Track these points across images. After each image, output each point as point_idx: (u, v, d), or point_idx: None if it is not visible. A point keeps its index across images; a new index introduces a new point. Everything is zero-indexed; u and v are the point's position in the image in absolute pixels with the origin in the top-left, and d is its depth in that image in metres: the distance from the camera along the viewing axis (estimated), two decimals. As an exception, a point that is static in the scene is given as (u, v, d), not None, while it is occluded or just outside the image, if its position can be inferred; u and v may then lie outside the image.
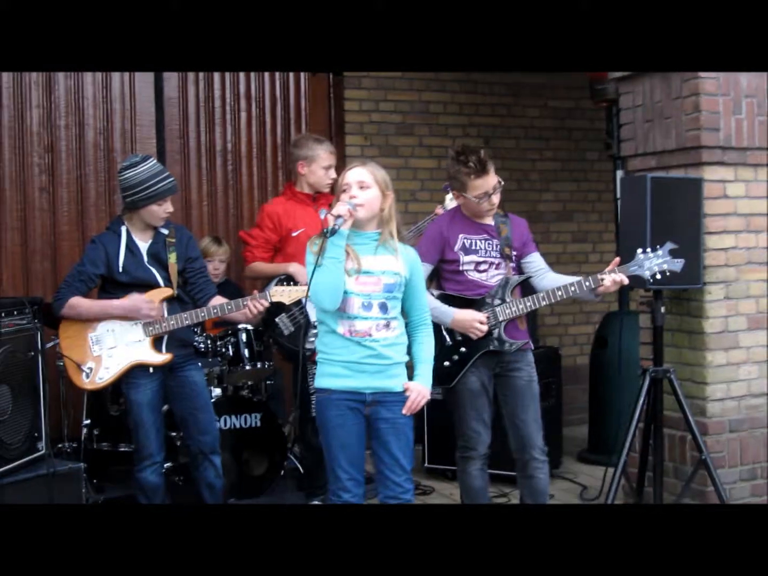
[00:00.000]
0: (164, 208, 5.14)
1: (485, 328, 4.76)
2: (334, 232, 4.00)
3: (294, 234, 5.89)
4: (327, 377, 4.17)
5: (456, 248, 4.85)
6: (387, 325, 4.15)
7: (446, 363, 4.81)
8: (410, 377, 4.24)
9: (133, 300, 5.11)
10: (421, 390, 4.20)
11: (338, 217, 4.02)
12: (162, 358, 5.15)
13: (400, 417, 4.19)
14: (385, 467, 4.22)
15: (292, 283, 5.65)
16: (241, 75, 7.62)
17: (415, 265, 4.29)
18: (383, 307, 4.14)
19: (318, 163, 5.94)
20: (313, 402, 5.72)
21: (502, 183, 4.87)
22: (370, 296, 4.12)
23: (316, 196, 6.04)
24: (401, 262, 4.19)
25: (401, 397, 4.18)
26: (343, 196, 4.13)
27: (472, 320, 4.76)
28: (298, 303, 5.54)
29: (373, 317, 4.12)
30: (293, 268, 5.79)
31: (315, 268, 4.04)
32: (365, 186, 4.14)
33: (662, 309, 5.26)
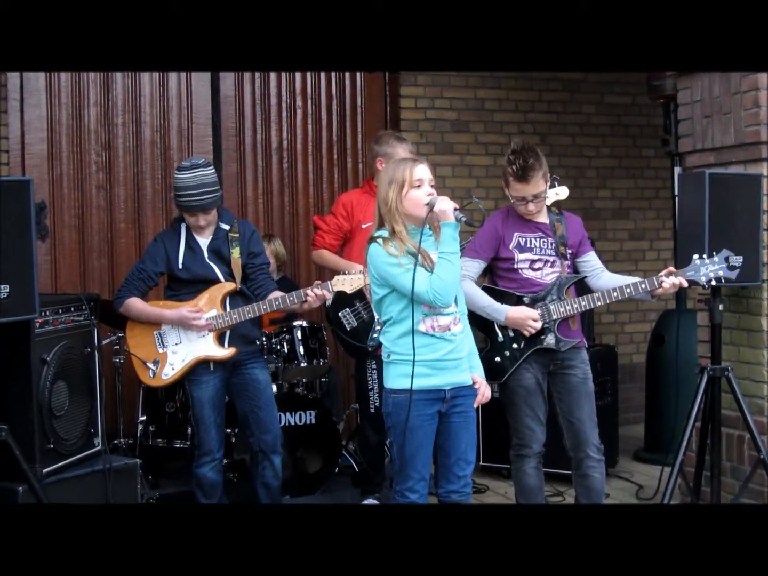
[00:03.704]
0: (194, 220, 5.14)
1: (539, 325, 4.74)
2: (470, 224, 4.08)
3: (364, 226, 5.89)
4: (406, 378, 4.06)
5: (511, 246, 4.83)
6: (459, 319, 4.21)
7: (497, 359, 4.80)
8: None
9: (179, 313, 5.14)
10: (485, 381, 4.29)
11: (457, 209, 4.04)
12: (226, 352, 5.17)
13: (471, 410, 4.24)
14: (451, 462, 4.23)
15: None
16: (297, 72, 7.62)
17: None
18: (455, 300, 4.17)
19: None
20: (371, 399, 5.74)
21: (557, 184, 4.88)
22: None
23: None
24: None
25: (472, 390, 4.24)
26: (417, 191, 4.09)
27: (526, 317, 4.73)
28: (363, 298, 5.54)
29: (451, 312, 4.15)
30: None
31: (416, 265, 3.98)
32: (433, 185, 4.17)
33: (720, 307, 5.19)
